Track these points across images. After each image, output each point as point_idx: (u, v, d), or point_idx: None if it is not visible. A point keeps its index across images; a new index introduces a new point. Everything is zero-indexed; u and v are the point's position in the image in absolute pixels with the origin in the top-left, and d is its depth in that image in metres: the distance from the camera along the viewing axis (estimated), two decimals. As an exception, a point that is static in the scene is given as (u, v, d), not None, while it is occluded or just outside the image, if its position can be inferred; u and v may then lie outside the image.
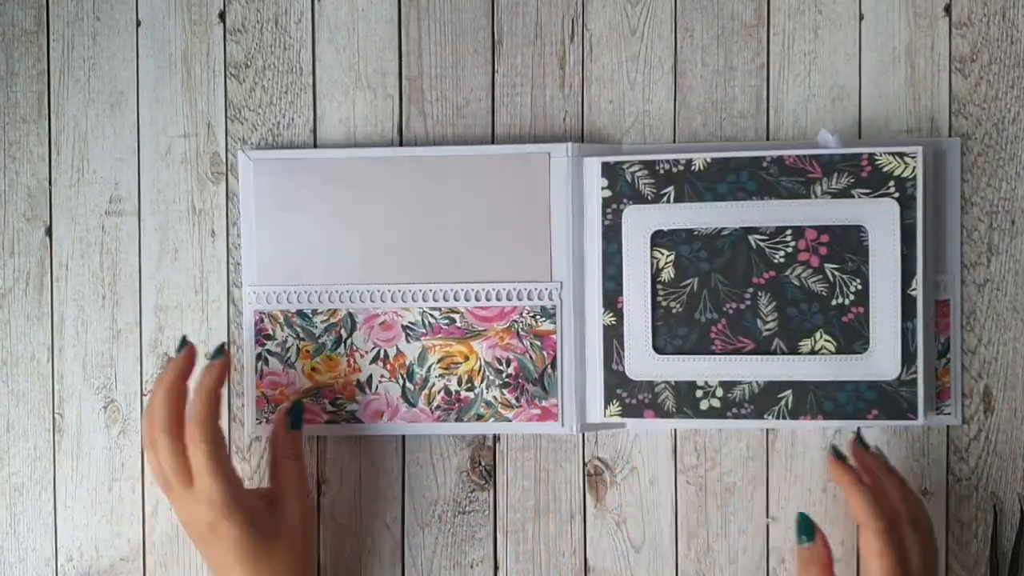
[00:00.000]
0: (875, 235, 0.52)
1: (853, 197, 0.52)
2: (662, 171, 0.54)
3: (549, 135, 0.56)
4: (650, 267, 0.54)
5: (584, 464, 0.56)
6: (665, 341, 0.54)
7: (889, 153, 0.52)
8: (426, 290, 0.56)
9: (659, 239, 0.54)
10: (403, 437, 0.57)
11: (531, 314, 0.55)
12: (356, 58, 0.57)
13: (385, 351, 0.56)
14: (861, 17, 0.55)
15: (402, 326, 0.56)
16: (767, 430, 0.55)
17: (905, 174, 0.52)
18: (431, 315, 0.56)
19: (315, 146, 0.57)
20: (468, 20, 0.57)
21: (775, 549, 0.55)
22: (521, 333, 0.55)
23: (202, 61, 0.57)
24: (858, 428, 0.53)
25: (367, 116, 0.57)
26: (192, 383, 0.50)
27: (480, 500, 0.57)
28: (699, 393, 0.53)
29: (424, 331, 0.56)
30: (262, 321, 0.56)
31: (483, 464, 0.57)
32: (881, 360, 0.52)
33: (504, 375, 0.55)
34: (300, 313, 0.56)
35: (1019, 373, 0.55)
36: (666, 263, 0.54)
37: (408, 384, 0.56)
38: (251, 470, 0.57)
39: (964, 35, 0.55)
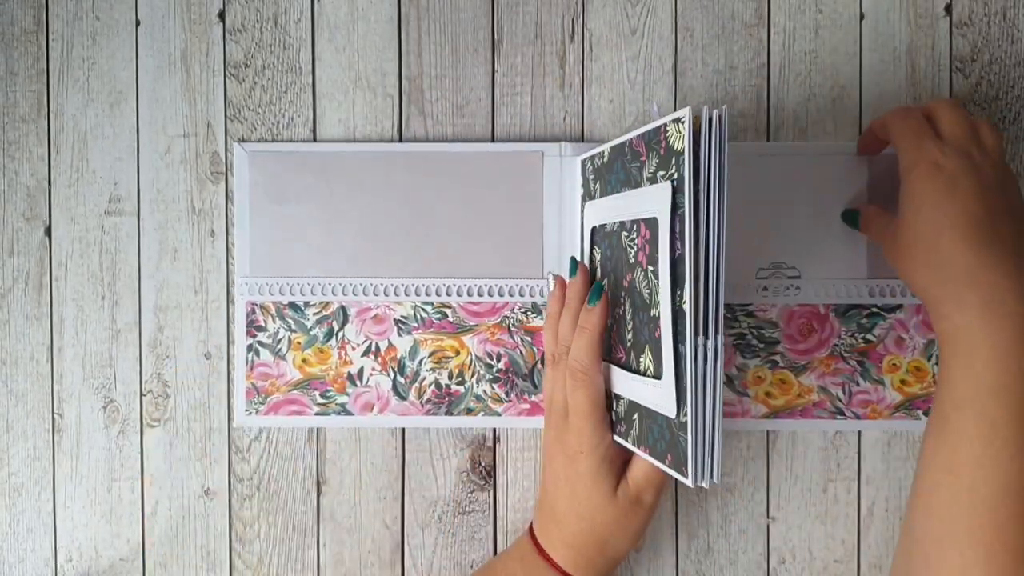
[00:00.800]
0: (662, 230, 0.42)
1: (658, 182, 0.42)
2: (593, 165, 0.52)
3: (549, 135, 0.56)
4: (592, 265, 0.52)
5: (584, 464, 0.56)
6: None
7: (673, 120, 0.41)
8: (419, 284, 0.56)
9: (595, 236, 0.52)
10: (403, 437, 0.57)
11: (522, 310, 0.56)
12: (356, 58, 0.57)
13: (377, 344, 0.56)
14: (862, 17, 0.55)
15: (394, 320, 0.56)
16: (768, 431, 0.55)
17: (679, 146, 0.40)
18: (423, 309, 0.56)
19: (315, 146, 0.57)
20: (468, 20, 0.57)
21: (775, 549, 0.55)
22: (512, 329, 0.56)
23: (202, 61, 0.57)
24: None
25: (367, 116, 0.57)
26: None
27: (480, 500, 0.57)
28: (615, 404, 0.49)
29: (416, 325, 0.56)
30: (254, 312, 0.56)
31: (483, 464, 0.57)
32: (667, 389, 0.42)
33: (494, 370, 0.56)
34: (292, 305, 0.56)
35: (1019, 373, 0.55)
36: (599, 263, 0.52)
37: (399, 377, 0.56)
38: (251, 470, 0.57)
39: (964, 35, 0.55)
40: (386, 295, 0.56)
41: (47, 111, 0.58)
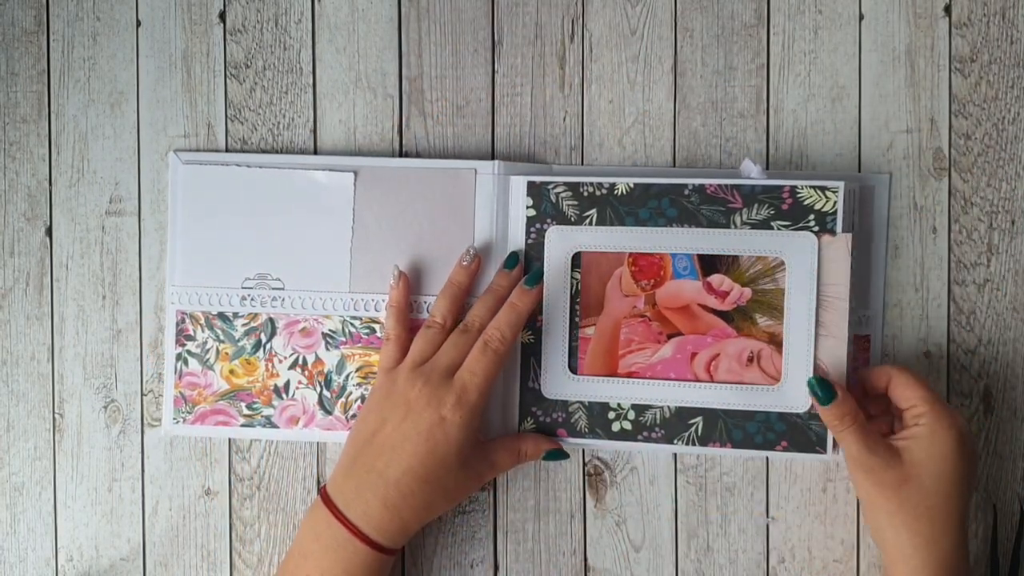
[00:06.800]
0: (792, 268, 0.52)
1: (772, 229, 0.52)
2: (586, 193, 0.54)
3: (549, 135, 0.56)
4: (570, 287, 0.54)
5: (584, 464, 0.56)
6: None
7: (811, 187, 0.52)
8: (347, 299, 0.56)
9: (580, 260, 0.54)
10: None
11: None
12: (356, 58, 0.57)
13: (304, 357, 0.56)
14: (861, 17, 0.55)
15: (322, 333, 0.56)
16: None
17: (826, 208, 0.52)
18: (351, 324, 0.56)
19: (315, 146, 0.57)
20: (468, 20, 0.57)
21: (775, 549, 0.55)
22: None
23: (202, 61, 0.57)
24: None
25: (367, 116, 0.57)
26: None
27: (480, 500, 0.57)
28: (611, 415, 0.54)
29: (344, 340, 0.56)
30: (183, 321, 0.56)
31: (483, 464, 0.57)
32: (792, 393, 0.52)
33: None
34: (221, 315, 0.56)
35: (1019, 373, 0.55)
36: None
37: (325, 391, 0.56)
38: (251, 469, 0.57)
39: (964, 35, 0.55)
40: (315, 308, 0.56)
41: (48, 111, 0.58)
